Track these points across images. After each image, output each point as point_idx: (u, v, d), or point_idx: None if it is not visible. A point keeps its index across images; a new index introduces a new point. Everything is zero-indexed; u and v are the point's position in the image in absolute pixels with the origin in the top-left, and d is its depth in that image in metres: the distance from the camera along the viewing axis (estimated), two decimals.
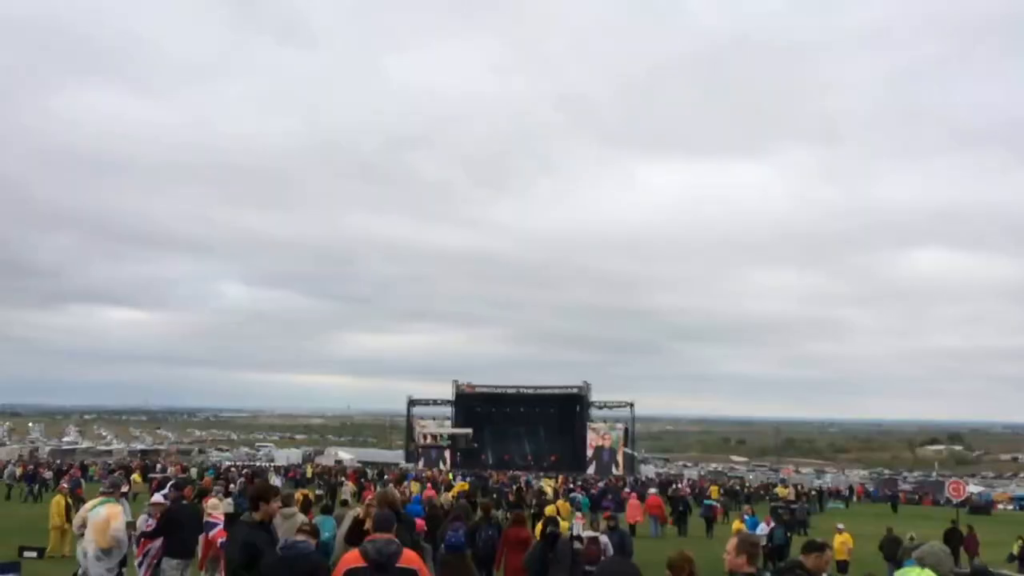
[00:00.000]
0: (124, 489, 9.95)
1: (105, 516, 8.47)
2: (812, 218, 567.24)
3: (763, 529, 20.14)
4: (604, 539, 10.98)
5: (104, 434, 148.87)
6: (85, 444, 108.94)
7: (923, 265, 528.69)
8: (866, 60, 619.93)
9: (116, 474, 17.47)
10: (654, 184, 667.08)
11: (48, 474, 34.10)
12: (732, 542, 5.22)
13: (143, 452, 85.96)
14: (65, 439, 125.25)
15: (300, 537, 5.62)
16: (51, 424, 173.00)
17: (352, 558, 5.04)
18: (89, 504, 8.99)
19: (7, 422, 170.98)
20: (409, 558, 5.04)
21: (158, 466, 49.69)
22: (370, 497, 13.45)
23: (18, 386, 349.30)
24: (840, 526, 20.58)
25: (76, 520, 9.31)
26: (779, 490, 46.77)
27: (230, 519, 9.25)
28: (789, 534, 20.12)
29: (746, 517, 22.66)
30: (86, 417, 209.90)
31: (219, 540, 9.08)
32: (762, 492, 50.44)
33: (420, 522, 10.58)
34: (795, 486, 51.51)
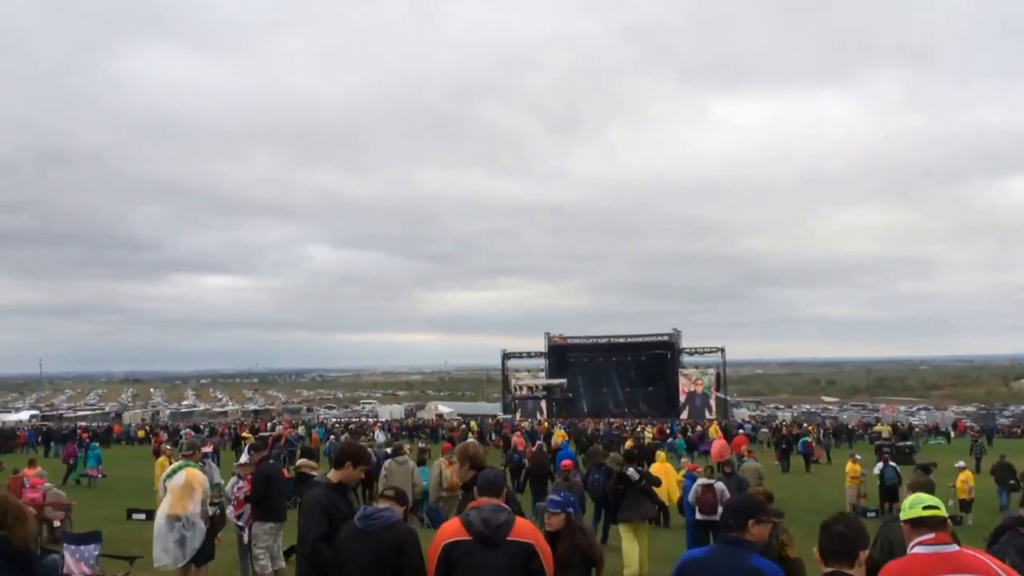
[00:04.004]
0: (206, 450, 9.58)
1: (183, 481, 7.72)
2: (899, 149, 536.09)
3: (877, 468, 19.22)
4: (720, 486, 10.60)
5: (219, 397, 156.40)
6: (202, 407, 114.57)
7: (1017, 194, 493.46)
8: None
9: (196, 435, 17.54)
10: (732, 121, 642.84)
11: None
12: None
13: (255, 412, 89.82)
14: (184, 403, 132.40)
15: (383, 504, 4.54)
16: (171, 389, 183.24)
17: (452, 529, 4.07)
18: (169, 468, 8.29)
19: (131, 388, 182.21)
20: (523, 529, 4.03)
21: (269, 424, 51.72)
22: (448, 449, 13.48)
23: (136, 354, 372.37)
24: (960, 463, 19.39)
25: (158, 485, 9.02)
26: (878, 427, 46.58)
27: (301, 479, 8.50)
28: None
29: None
30: (202, 381, 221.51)
31: None
32: (860, 431, 50.67)
33: (570, 463, 12.04)
34: (893, 424, 50.70)
